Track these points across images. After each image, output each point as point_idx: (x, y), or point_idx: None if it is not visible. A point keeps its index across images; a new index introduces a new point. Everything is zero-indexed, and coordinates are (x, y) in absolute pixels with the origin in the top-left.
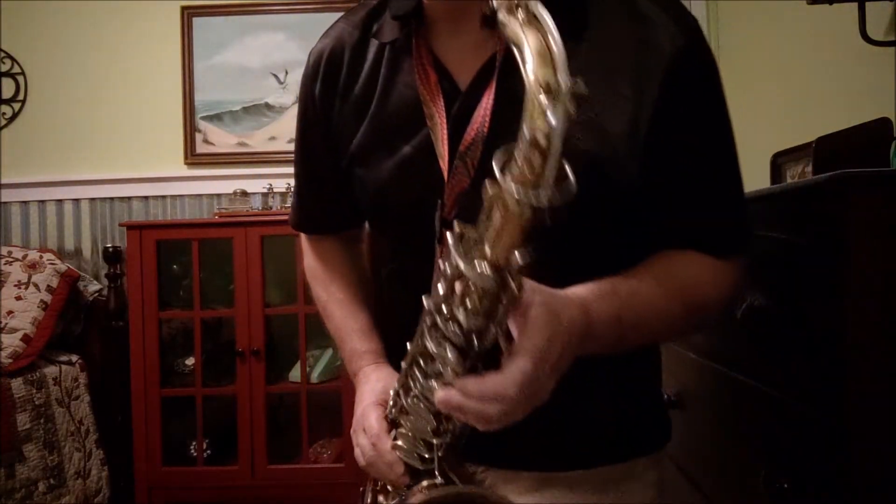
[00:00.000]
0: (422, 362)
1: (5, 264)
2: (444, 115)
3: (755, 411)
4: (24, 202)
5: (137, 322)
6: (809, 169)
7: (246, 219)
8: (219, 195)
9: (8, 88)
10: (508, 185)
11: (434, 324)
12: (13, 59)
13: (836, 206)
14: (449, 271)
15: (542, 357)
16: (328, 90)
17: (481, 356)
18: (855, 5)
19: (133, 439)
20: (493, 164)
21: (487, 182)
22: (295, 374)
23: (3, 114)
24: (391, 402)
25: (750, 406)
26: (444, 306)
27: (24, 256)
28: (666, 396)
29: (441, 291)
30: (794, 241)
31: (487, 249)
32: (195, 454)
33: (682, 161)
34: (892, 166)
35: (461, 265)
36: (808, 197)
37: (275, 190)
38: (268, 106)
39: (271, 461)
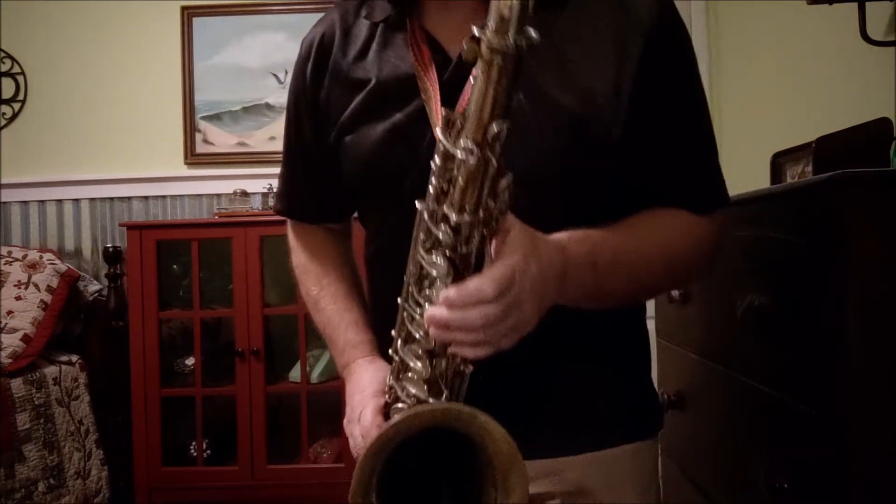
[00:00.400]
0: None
1: (5, 264)
2: (437, 86)
3: (755, 411)
4: (24, 202)
5: (137, 322)
6: (809, 169)
7: (246, 219)
8: (219, 195)
9: (8, 88)
10: (484, 35)
11: (427, 231)
12: (13, 59)
13: (836, 206)
14: (438, 161)
15: (519, 268)
16: (319, 71)
17: (469, 267)
18: (855, 5)
19: (133, 439)
20: (472, 28)
21: (464, 43)
22: (295, 374)
23: (3, 114)
24: (386, 394)
25: (750, 406)
26: (434, 206)
27: (24, 256)
28: (666, 396)
29: (432, 190)
30: (794, 241)
31: (470, 127)
32: (195, 454)
33: (661, 122)
34: (892, 166)
35: (445, 144)
36: (808, 197)
37: (275, 190)
38: (268, 106)
39: (271, 461)
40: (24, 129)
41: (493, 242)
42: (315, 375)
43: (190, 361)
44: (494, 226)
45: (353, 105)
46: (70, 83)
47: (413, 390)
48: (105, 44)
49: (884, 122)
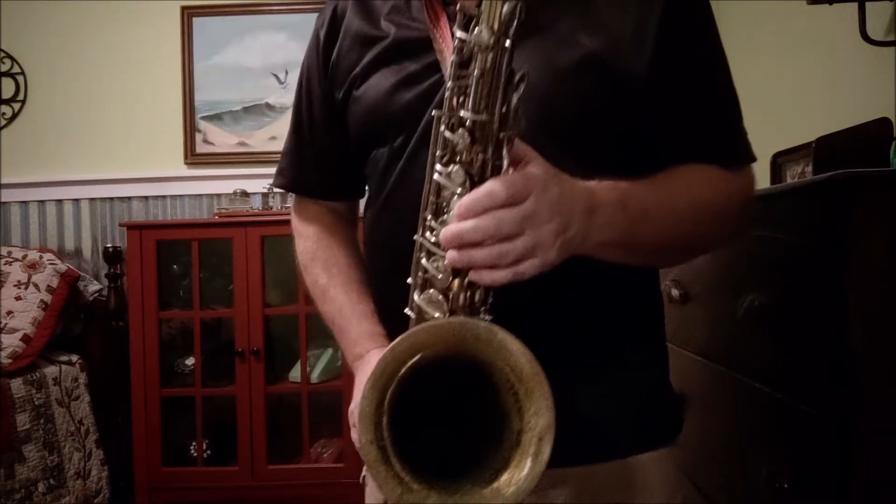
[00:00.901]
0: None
1: (5, 264)
2: (452, 44)
3: (756, 411)
4: (24, 202)
5: (137, 322)
6: (809, 169)
7: (246, 219)
8: (219, 195)
9: (8, 88)
10: None
11: (444, 142)
12: (13, 59)
13: (836, 206)
14: (454, 58)
15: (537, 181)
16: (332, 35)
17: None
18: (855, 5)
19: (133, 439)
20: None
21: None
22: (295, 374)
23: (3, 114)
24: None
25: (750, 406)
26: (450, 112)
27: (24, 256)
28: None
29: (447, 98)
30: (795, 241)
31: (484, 17)
32: (195, 454)
33: (686, 73)
34: (892, 166)
35: (460, 34)
36: (808, 197)
37: (275, 190)
38: (268, 106)
39: (271, 461)
40: (24, 129)
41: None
42: (315, 375)
43: (190, 361)
44: (513, 131)
45: (366, 58)
46: (70, 83)
47: None
48: (105, 44)
49: (884, 122)
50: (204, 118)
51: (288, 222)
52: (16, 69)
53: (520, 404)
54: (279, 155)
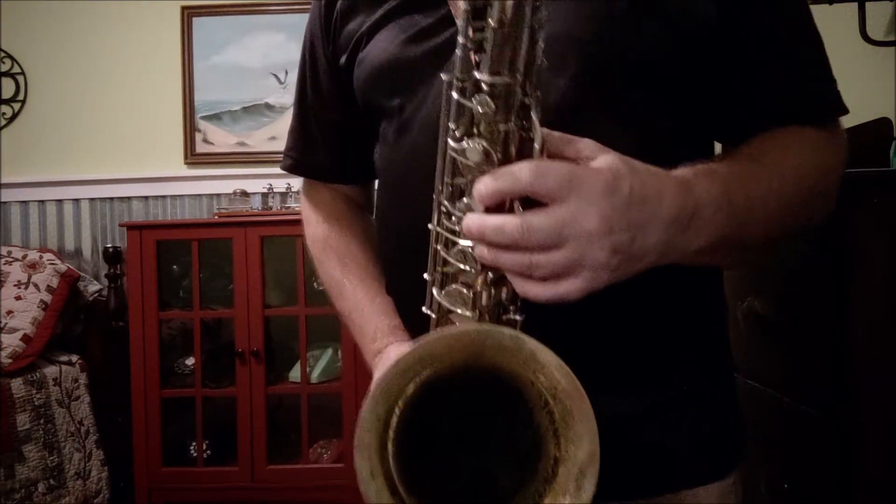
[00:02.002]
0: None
1: (5, 264)
2: None
3: (756, 412)
4: (24, 202)
5: (137, 322)
6: None
7: (246, 219)
8: (219, 195)
9: (8, 88)
10: None
11: (457, 111)
12: (13, 59)
13: (837, 207)
14: (465, 4)
15: (586, 179)
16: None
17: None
18: (855, 5)
19: (133, 440)
20: None
21: None
22: (295, 374)
23: (3, 114)
24: None
25: (750, 407)
26: (462, 72)
27: (24, 256)
28: None
29: (459, 59)
30: (794, 242)
31: None
32: (195, 455)
33: (766, 16)
34: (892, 166)
35: None
36: None
37: (275, 190)
38: (268, 106)
39: (271, 462)
40: (24, 129)
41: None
42: (315, 376)
43: (190, 362)
44: (537, 94)
45: (375, 15)
46: (70, 83)
47: None
48: (105, 44)
49: (884, 122)
50: (204, 118)
51: (288, 222)
52: (16, 69)
53: (556, 426)
54: (279, 155)
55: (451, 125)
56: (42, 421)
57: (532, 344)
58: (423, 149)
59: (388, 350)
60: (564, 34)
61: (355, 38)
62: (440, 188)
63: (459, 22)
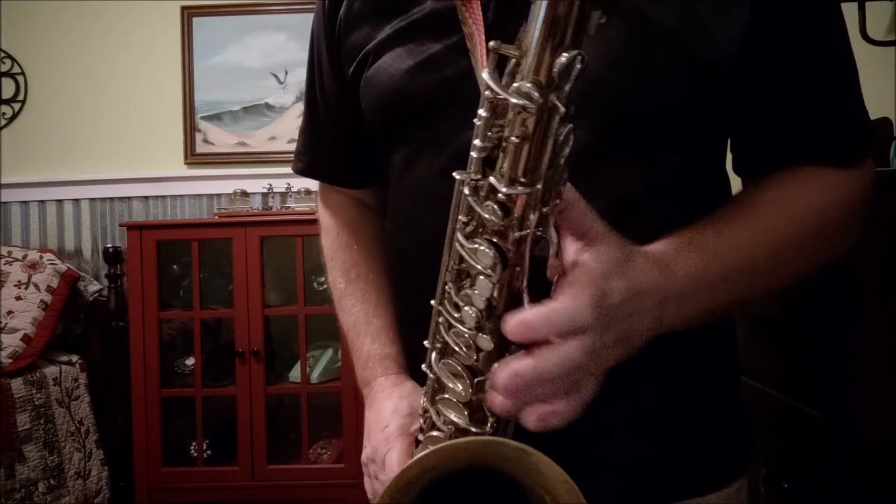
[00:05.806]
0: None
1: (5, 264)
2: (482, 23)
3: (755, 412)
4: (24, 202)
5: (137, 322)
6: None
7: (246, 219)
8: (219, 195)
9: (8, 88)
10: None
11: (468, 210)
12: (13, 59)
13: None
14: (484, 114)
15: (594, 295)
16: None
17: (522, 260)
18: (855, 5)
19: (133, 439)
20: None
21: None
22: (295, 374)
23: (3, 114)
24: (421, 419)
25: (750, 406)
26: (477, 176)
27: (24, 256)
28: None
29: (475, 155)
30: None
31: (529, 63)
32: (195, 454)
33: (791, 37)
34: (892, 166)
35: (493, 87)
36: None
37: (275, 190)
38: (268, 106)
39: (271, 461)
40: (24, 129)
41: (568, 244)
42: (315, 376)
43: (190, 362)
44: (557, 202)
45: (380, 35)
46: (70, 83)
47: (451, 416)
48: (105, 44)
49: (884, 122)
50: (204, 118)
51: (288, 223)
52: (16, 69)
53: None
54: (279, 155)
55: (462, 218)
56: (42, 421)
57: (536, 457)
58: (432, 183)
59: (375, 384)
60: (592, 80)
61: (361, 54)
62: (446, 266)
63: (478, 123)
